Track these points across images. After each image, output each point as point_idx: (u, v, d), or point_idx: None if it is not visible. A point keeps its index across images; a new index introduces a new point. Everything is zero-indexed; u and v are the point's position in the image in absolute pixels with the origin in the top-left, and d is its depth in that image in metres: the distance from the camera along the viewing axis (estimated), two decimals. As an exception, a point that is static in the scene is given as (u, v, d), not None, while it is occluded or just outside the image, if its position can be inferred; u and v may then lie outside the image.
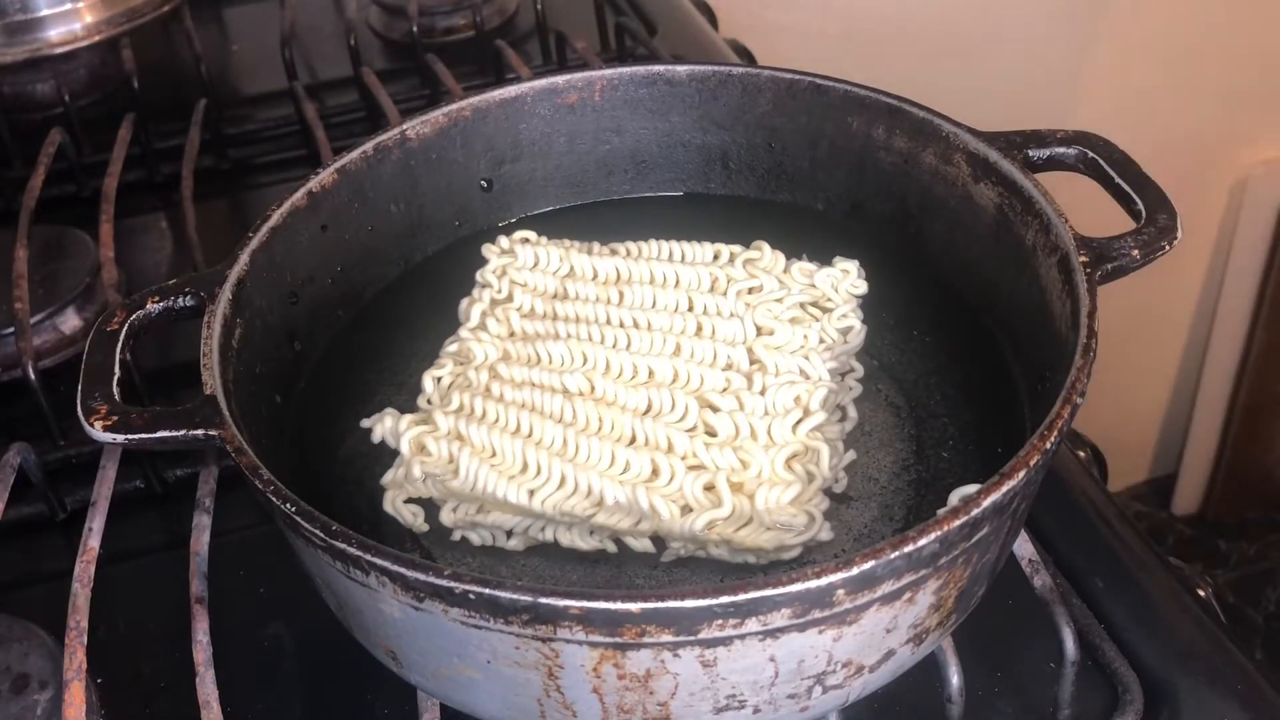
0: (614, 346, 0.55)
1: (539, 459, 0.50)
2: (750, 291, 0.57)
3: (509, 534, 0.51)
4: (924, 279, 0.60)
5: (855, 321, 0.56)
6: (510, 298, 0.59)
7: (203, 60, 0.93)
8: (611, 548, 0.50)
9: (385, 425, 0.52)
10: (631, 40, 0.93)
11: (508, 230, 0.63)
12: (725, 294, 0.57)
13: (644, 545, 0.50)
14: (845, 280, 0.57)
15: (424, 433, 0.51)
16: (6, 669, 0.51)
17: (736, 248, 0.60)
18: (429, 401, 0.55)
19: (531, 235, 0.61)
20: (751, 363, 0.54)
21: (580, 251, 0.60)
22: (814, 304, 0.57)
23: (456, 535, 0.51)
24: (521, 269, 0.60)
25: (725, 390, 0.52)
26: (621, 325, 0.56)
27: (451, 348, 0.57)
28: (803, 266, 0.58)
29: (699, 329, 0.55)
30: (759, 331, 0.55)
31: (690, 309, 0.57)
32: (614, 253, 0.60)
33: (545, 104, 0.64)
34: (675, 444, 0.50)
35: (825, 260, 0.59)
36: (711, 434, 0.51)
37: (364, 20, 1.03)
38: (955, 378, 0.56)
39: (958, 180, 0.57)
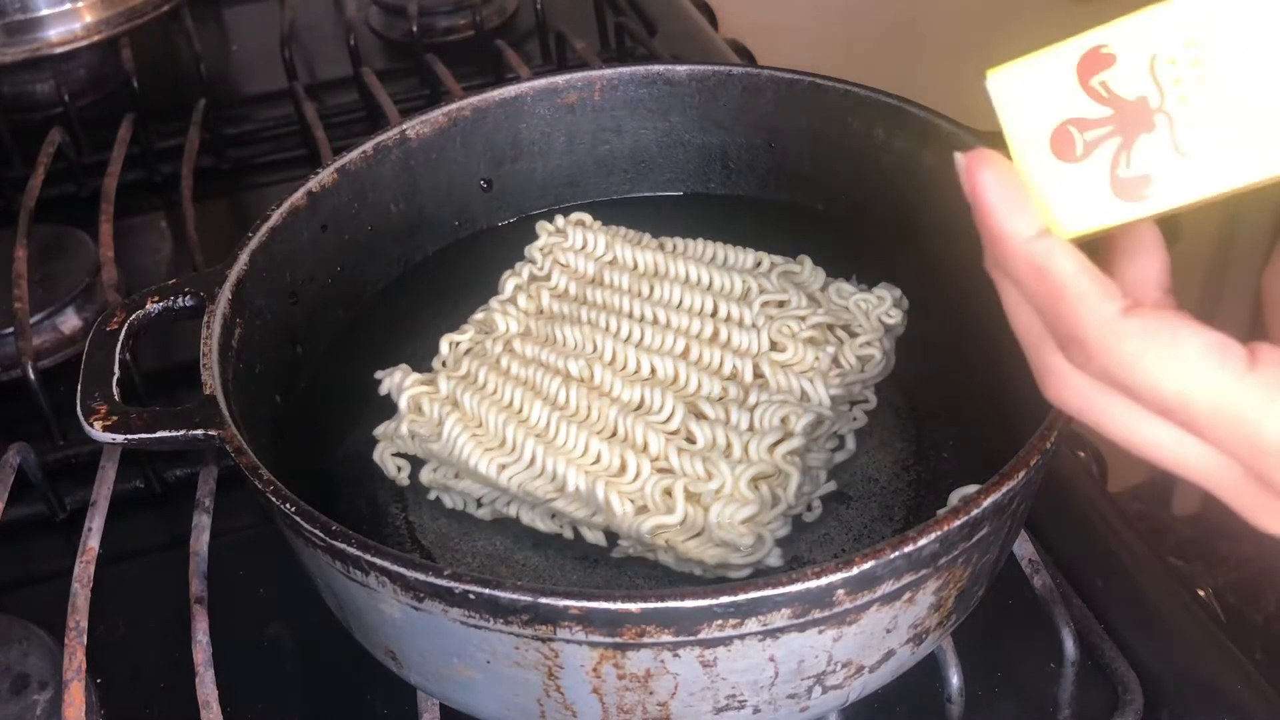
0: (626, 339, 0.55)
1: (516, 436, 0.51)
2: (780, 305, 0.56)
3: (479, 503, 0.52)
4: (924, 279, 0.59)
5: (876, 351, 0.54)
6: (548, 276, 0.59)
7: (203, 60, 0.93)
8: (569, 534, 0.51)
9: (393, 380, 0.54)
10: (631, 40, 0.93)
11: (507, 230, 0.63)
12: (751, 304, 0.56)
13: (596, 537, 0.50)
14: (878, 307, 0.56)
15: (423, 393, 0.53)
16: (6, 669, 0.51)
17: (779, 258, 0.59)
18: (443, 364, 0.56)
19: (586, 218, 0.62)
20: (756, 376, 0.53)
21: (627, 241, 0.60)
22: (843, 327, 0.55)
23: (432, 495, 0.53)
24: (567, 250, 0.60)
25: (720, 399, 0.52)
26: (642, 319, 0.56)
27: (478, 315, 0.58)
28: (841, 288, 0.57)
29: (715, 334, 0.55)
30: (773, 346, 0.54)
31: (714, 313, 0.56)
32: (660, 247, 0.60)
33: (545, 104, 0.64)
34: (650, 444, 0.50)
35: (867, 275, 0.58)
36: (691, 441, 0.51)
37: (364, 20, 1.03)
38: (955, 378, 0.56)
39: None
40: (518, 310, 0.58)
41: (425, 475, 0.53)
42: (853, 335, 0.55)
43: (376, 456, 0.54)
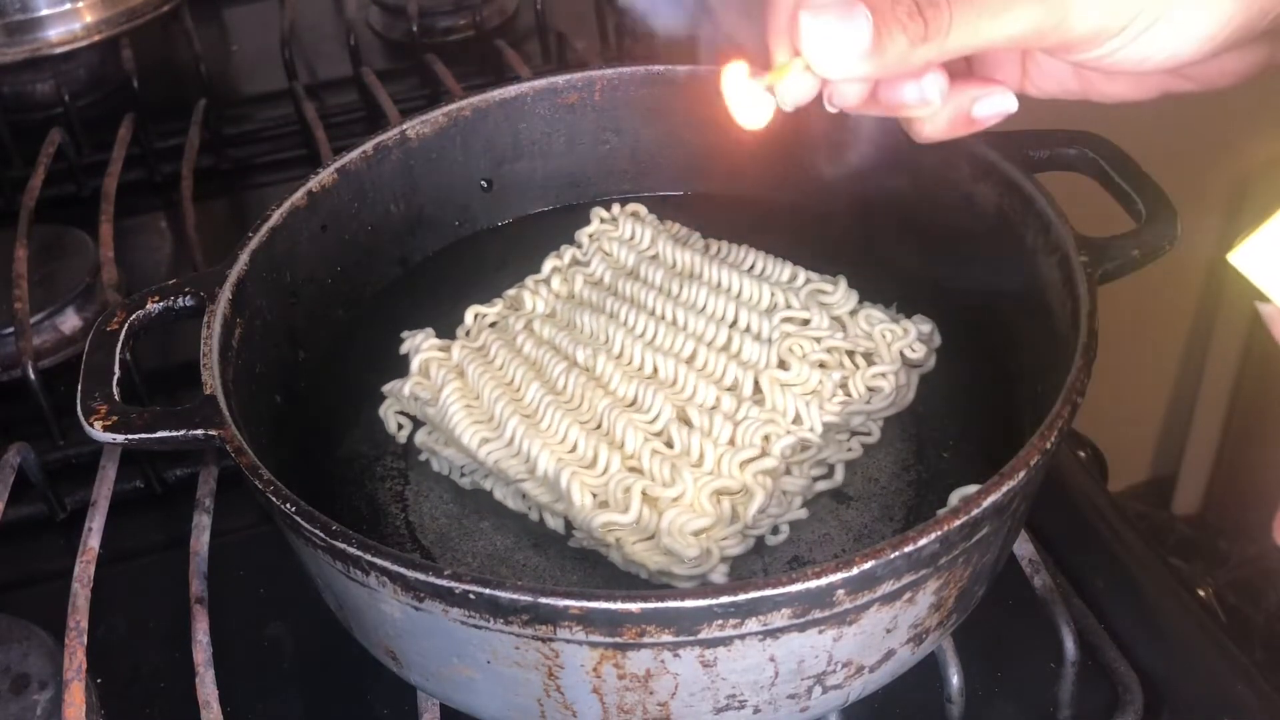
0: (639, 335, 0.56)
1: (504, 414, 0.52)
2: (803, 323, 0.55)
3: (461, 472, 0.53)
4: (924, 279, 0.59)
5: (886, 384, 0.53)
6: (589, 262, 0.60)
7: (203, 60, 0.93)
8: (535, 517, 0.51)
9: (414, 340, 0.56)
10: (631, 40, 0.93)
11: (507, 230, 0.63)
12: (772, 317, 0.55)
13: (557, 524, 0.51)
14: (900, 339, 0.55)
15: (434, 358, 0.55)
16: (6, 669, 0.51)
17: (815, 275, 0.58)
18: (466, 333, 0.58)
19: (642, 210, 0.63)
20: (755, 391, 0.53)
21: (672, 239, 0.61)
22: (864, 354, 0.54)
23: (423, 456, 0.54)
24: (614, 239, 0.61)
25: (712, 409, 0.52)
26: (662, 318, 0.56)
27: (510, 291, 0.60)
28: (871, 314, 0.55)
29: (727, 343, 0.55)
30: (780, 363, 0.53)
31: (734, 323, 0.56)
32: (706, 249, 0.61)
33: (545, 104, 0.64)
34: (627, 442, 0.50)
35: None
36: (670, 445, 0.51)
37: (364, 20, 1.03)
38: (955, 378, 0.56)
39: (958, 180, 0.57)
40: (549, 291, 0.59)
41: (419, 436, 0.55)
42: (872, 364, 0.54)
43: (381, 412, 0.56)
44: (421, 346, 0.56)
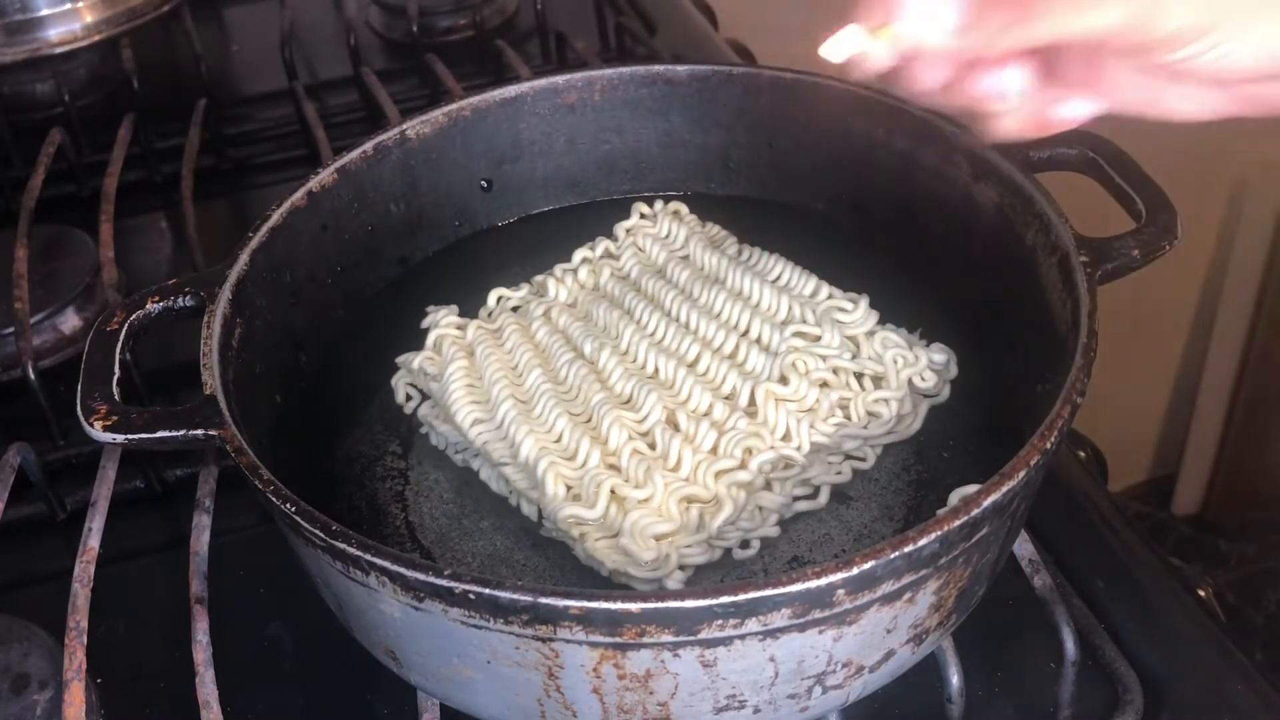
0: (649, 333, 0.56)
1: (499, 396, 0.53)
2: (816, 339, 0.55)
3: (455, 449, 0.54)
4: (924, 279, 0.60)
5: (885, 410, 0.53)
6: (619, 256, 0.61)
7: (203, 60, 0.93)
8: (514, 502, 0.52)
9: (436, 315, 0.58)
10: (631, 40, 0.93)
11: (507, 230, 0.63)
12: (783, 330, 0.55)
13: (530, 510, 0.51)
14: (910, 366, 0.54)
15: (448, 335, 0.56)
16: (6, 669, 0.51)
17: (838, 292, 0.57)
18: (488, 314, 0.59)
19: (683, 209, 0.63)
20: (750, 402, 0.52)
21: (705, 241, 0.61)
22: (874, 377, 0.54)
23: (423, 429, 0.55)
24: (649, 235, 0.61)
25: (704, 415, 0.52)
26: (676, 319, 0.57)
27: (538, 278, 0.61)
28: (887, 337, 0.55)
29: (734, 351, 0.55)
30: (782, 378, 0.53)
31: (745, 331, 0.56)
32: (739, 254, 0.61)
33: (545, 104, 0.64)
34: (611, 439, 0.50)
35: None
36: (653, 447, 0.51)
37: (364, 20, 1.03)
38: (955, 378, 0.56)
39: (958, 180, 0.57)
40: (574, 281, 0.60)
41: (423, 410, 0.56)
42: (879, 388, 0.54)
43: (393, 381, 0.57)
44: (440, 322, 0.57)
